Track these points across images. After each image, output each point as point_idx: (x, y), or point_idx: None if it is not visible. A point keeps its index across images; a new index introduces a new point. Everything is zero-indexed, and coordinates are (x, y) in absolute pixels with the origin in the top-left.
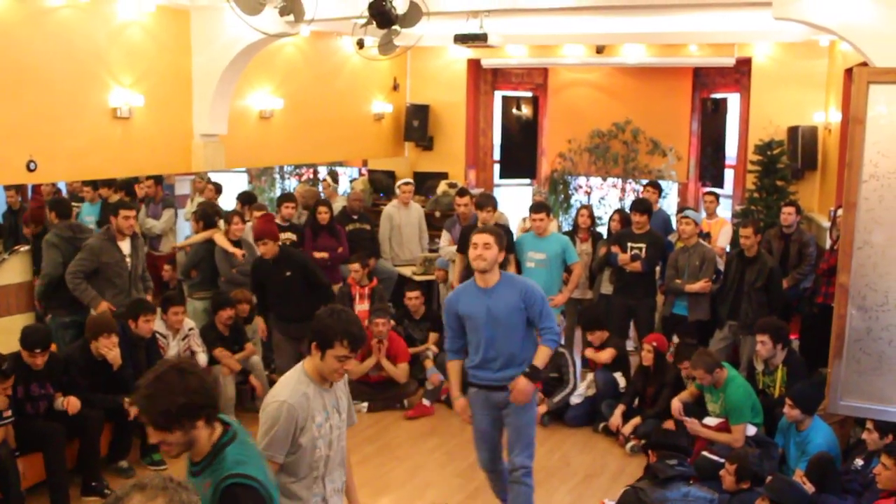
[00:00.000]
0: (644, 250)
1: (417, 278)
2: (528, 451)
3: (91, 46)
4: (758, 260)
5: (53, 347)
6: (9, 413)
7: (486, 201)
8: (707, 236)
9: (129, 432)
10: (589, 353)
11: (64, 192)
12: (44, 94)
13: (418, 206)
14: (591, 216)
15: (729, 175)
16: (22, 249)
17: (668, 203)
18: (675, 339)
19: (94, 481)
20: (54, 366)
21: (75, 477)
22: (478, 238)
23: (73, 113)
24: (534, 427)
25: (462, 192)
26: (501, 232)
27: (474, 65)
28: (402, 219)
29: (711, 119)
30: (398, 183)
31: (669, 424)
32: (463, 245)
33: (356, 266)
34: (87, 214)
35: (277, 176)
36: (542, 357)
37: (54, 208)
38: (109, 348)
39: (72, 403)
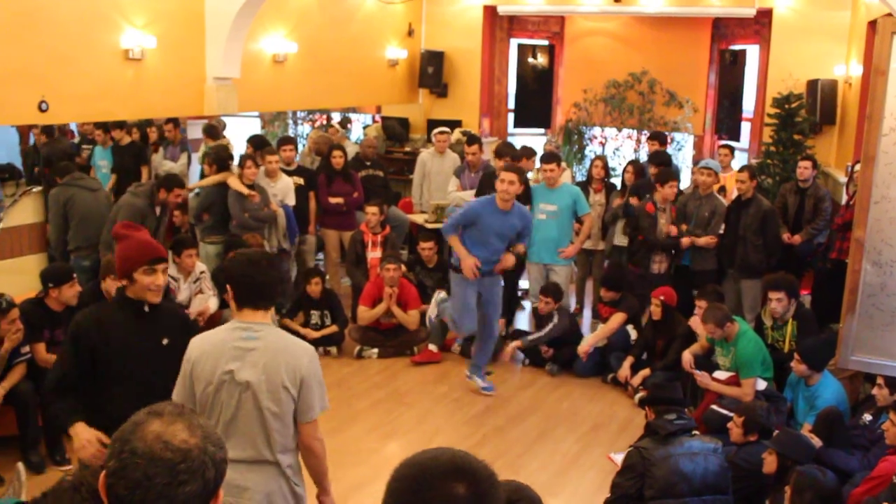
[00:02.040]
0: None
1: (430, 226)
2: (497, 312)
3: None
4: (752, 203)
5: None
6: (26, 349)
7: (504, 150)
8: (722, 189)
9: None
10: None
11: (76, 134)
12: (55, 35)
13: (454, 156)
14: (605, 167)
15: (746, 128)
16: (34, 190)
17: (684, 155)
18: (698, 304)
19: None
20: (78, 308)
21: None
22: (505, 175)
23: (84, 54)
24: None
25: (472, 140)
26: (524, 170)
27: (490, 11)
28: (435, 166)
29: (729, 71)
30: (434, 132)
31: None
32: (482, 192)
33: (374, 209)
34: (100, 158)
35: (290, 121)
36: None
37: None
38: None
39: None
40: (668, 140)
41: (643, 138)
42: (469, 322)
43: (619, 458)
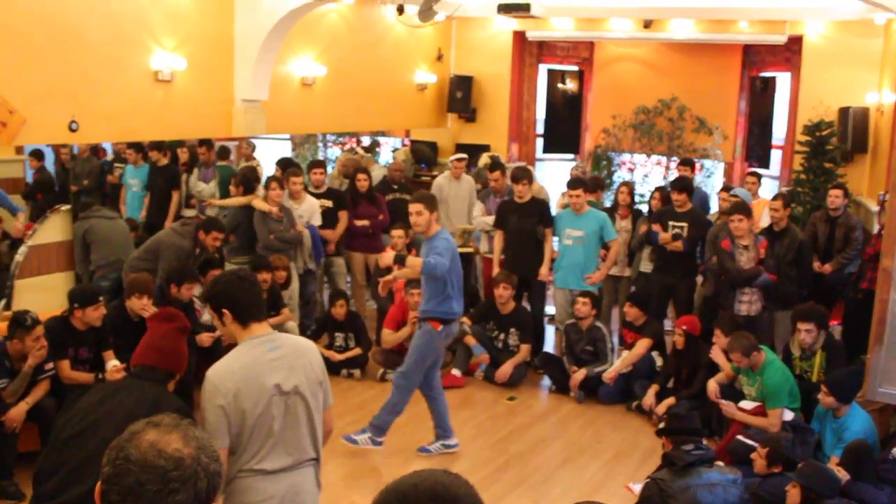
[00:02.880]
0: (686, 229)
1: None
2: (408, 369)
3: (133, 9)
4: (787, 233)
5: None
6: (50, 366)
7: (522, 174)
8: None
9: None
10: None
11: (109, 153)
12: (86, 55)
13: (470, 180)
14: (631, 193)
15: (776, 156)
16: (63, 209)
17: (713, 182)
18: (717, 333)
19: None
20: (102, 327)
21: None
22: (410, 207)
23: (114, 75)
24: (420, 355)
25: (494, 167)
26: (431, 196)
27: (519, 37)
28: (452, 191)
29: (760, 98)
30: (450, 158)
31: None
32: (500, 221)
33: (400, 232)
34: (131, 177)
35: (321, 144)
36: (412, 260)
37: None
38: (144, 307)
39: (114, 366)
40: (699, 167)
41: (672, 165)
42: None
43: (637, 488)
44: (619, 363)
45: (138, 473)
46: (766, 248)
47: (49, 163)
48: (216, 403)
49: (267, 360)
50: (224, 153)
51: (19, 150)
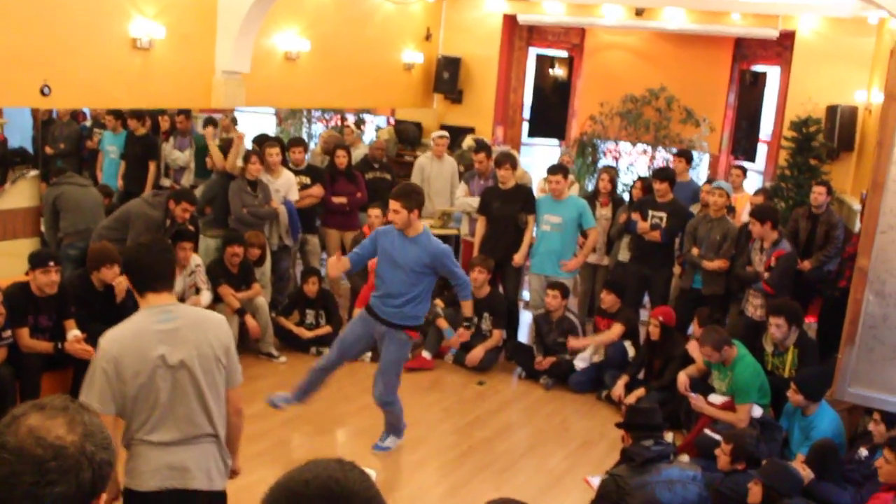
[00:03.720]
0: (665, 220)
1: (435, 232)
2: (389, 386)
3: None
4: None
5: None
6: (8, 333)
7: (504, 159)
8: (731, 210)
9: None
10: (601, 323)
11: (87, 117)
12: (61, 18)
13: (452, 161)
14: (612, 180)
15: (762, 150)
16: (30, 174)
17: (698, 174)
18: (695, 326)
19: None
20: (63, 296)
21: None
22: (390, 203)
23: (91, 40)
24: (399, 368)
25: (479, 148)
26: (414, 193)
27: (510, 20)
28: (434, 171)
29: (749, 92)
30: (433, 135)
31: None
32: (483, 206)
33: (377, 211)
34: (109, 144)
35: (305, 120)
36: (467, 308)
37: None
38: (115, 277)
39: (74, 335)
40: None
41: (658, 155)
42: (331, 355)
43: (595, 481)
44: (588, 339)
45: (13, 463)
46: (778, 258)
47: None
48: (101, 366)
49: (154, 331)
50: (211, 123)
51: None
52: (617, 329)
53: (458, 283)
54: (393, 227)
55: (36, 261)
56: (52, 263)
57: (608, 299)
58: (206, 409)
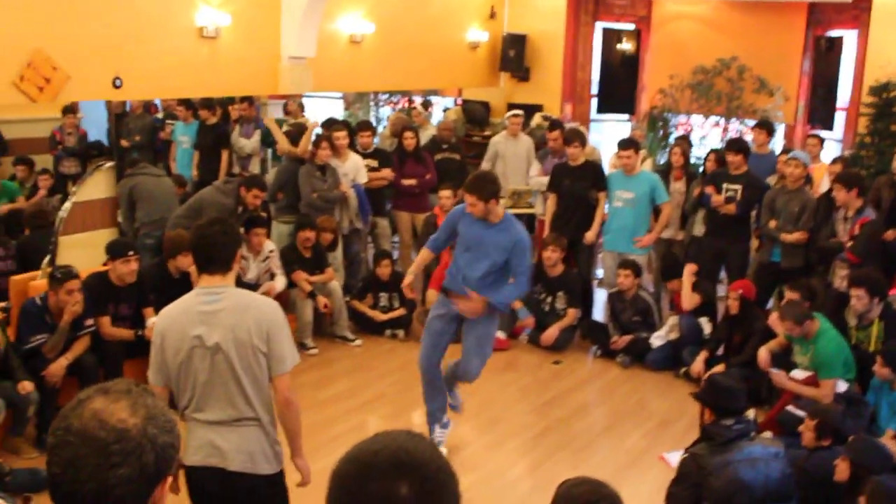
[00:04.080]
0: (739, 192)
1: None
2: (482, 362)
3: None
4: None
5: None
6: (90, 322)
7: (573, 136)
8: (808, 181)
9: None
10: (674, 286)
11: (159, 109)
12: (130, 11)
13: (527, 139)
14: (685, 153)
15: (840, 118)
16: (106, 166)
17: (774, 145)
18: (788, 295)
19: None
20: (142, 284)
21: None
22: (465, 197)
23: (159, 31)
24: (492, 341)
25: (553, 126)
26: (486, 182)
27: None
28: (509, 150)
29: (824, 58)
30: (507, 115)
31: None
32: (554, 184)
33: (447, 192)
34: (181, 134)
35: (372, 104)
36: (504, 295)
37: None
38: (191, 264)
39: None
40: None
41: (731, 126)
42: (424, 352)
43: (672, 457)
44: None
45: (78, 446)
46: (863, 225)
47: (99, 120)
48: (154, 340)
49: (197, 311)
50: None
51: (73, 108)
52: (695, 298)
53: (518, 280)
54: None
55: (116, 251)
56: (131, 253)
57: (675, 285)
58: (244, 394)
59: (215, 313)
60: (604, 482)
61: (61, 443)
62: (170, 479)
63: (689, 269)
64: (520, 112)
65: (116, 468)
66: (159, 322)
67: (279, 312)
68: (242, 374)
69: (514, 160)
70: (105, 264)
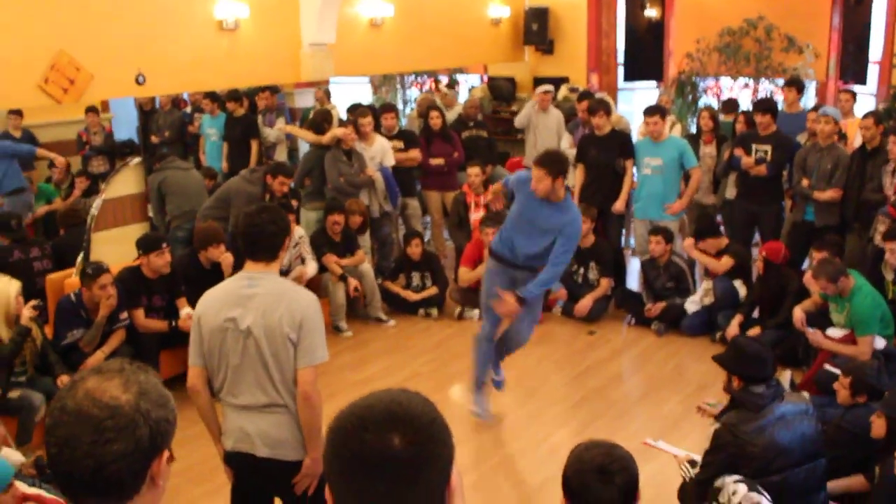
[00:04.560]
0: (769, 153)
1: None
2: (533, 326)
3: None
4: (879, 152)
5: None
6: (124, 315)
7: (598, 106)
8: (843, 137)
9: None
10: (704, 258)
11: (188, 103)
12: (149, 8)
13: (558, 112)
14: (713, 118)
15: (874, 72)
16: (134, 162)
17: (805, 103)
18: (816, 255)
19: None
20: (174, 276)
21: None
22: (533, 172)
23: (179, 26)
24: (538, 313)
25: (583, 97)
26: (558, 160)
27: None
28: (540, 123)
29: (854, 12)
30: (537, 90)
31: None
32: (581, 154)
33: (476, 170)
34: (209, 127)
35: (398, 86)
36: (540, 280)
37: None
38: (221, 255)
39: (187, 313)
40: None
41: (761, 87)
42: (487, 322)
43: (657, 444)
44: (701, 258)
45: (73, 425)
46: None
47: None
48: (194, 322)
49: (235, 295)
50: (281, 116)
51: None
52: (727, 261)
53: (553, 268)
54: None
55: (149, 245)
56: (164, 245)
57: (706, 245)
58: (272, 379)
59: (251, 297)
60: (617, 444)
61: (57, 422)
62: (166, 454)
63: (689, 243)
64: (549, 87)
65: (111, 444)
66: (199, 305)
67: (315, 306)
68: (271, 360)
69: (545, 133)
70: (137, 259)
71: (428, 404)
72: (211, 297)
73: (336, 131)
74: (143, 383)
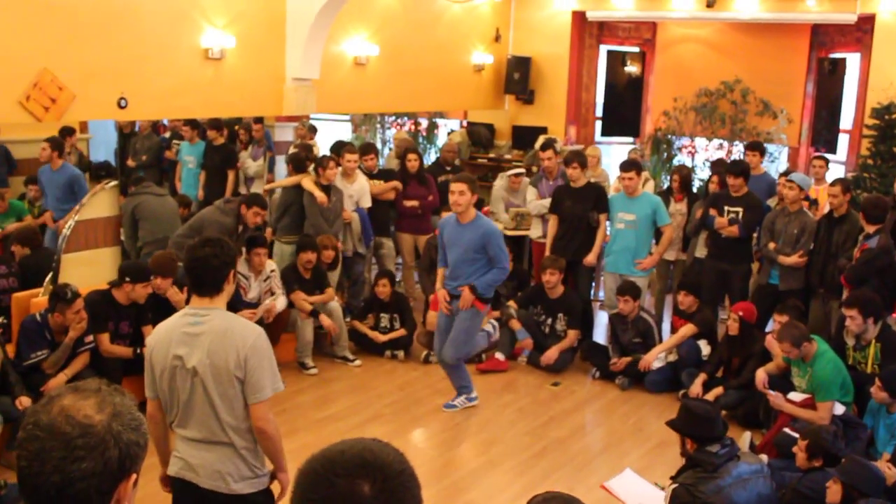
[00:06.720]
0: (741, 214)
1: (508, 233)
2: (455, 350)
3: None
4: (846, 219)
5: None
6: (90, 339)
7: (572, 157)
8: (814, 203)
9: None
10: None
11: (166, 128)
12: (136, 32)
13: (526, 181)
14: (682, 180)
15: (844, 140)
16: (109, 185)
17: (777, 167)
18: (778, 318)
19: None
20: (145, 304)
21: None
22: (453, 186)
23: (164, 53)
24: (471, 336)
25: (545, 146)
26: (474, 179)
27: (579, 17)
28: (510, 198)
29: (828, 80)
30: (508, 173)
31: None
32: (555, 205)
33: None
34: (187, 154)
35: (378, 126)
36: (486, 280)
37: None
38: (164, 289)
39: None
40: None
41: (735, 149)
42: (437, 345)
43: (612, 485)
44: (656, 349)
45: (44, 439)
46: (862, 251)
47: (108, 141)
48: (146, 356)
49: (181, 332)
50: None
51: (70, 129)
52: (687, 329)
53: (498, 266)
54: (449, 218)
55: (137, 275)
56: (152, 278)
57: (686, 301)
58: (218, 418)
59: (197, 336)
60: (575, 497)
61: (30, 436)
62: (134, 477)
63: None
64: (522, 170)
65: (79, 462)
66: (150, 338)
67: (261, 339)
68: (217, 400)
69: (515, 202)
70: (119, 285)
71: (399, 455)
72: (161, 332)
73: (307, 184)
74: (118, 405)
